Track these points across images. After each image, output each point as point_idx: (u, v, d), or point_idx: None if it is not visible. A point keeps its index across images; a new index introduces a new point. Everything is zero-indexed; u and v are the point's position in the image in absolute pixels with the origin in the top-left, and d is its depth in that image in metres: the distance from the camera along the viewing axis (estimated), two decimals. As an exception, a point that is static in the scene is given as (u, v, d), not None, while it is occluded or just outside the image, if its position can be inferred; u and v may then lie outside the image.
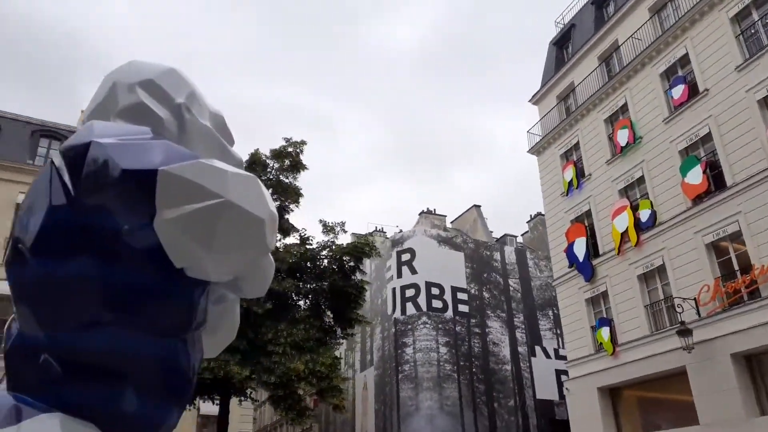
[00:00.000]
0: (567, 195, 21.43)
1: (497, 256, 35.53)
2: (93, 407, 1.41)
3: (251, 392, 15.92)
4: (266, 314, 14.92)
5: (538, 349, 33.30)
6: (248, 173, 1.56)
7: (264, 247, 1.51)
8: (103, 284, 1.44)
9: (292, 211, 17.96)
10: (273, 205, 1.54)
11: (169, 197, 1.46)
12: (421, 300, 31.98)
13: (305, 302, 17.71)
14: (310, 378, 14.92)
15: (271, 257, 1.72)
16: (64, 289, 1.44)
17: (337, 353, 16.75)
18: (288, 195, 17.37)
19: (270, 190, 17.01)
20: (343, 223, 17.71)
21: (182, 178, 1.46)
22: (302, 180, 37.94)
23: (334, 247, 17.30)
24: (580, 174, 21.09)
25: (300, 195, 17.73)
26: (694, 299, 15.39)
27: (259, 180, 1.51)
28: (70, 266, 1.44)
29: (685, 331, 14.60)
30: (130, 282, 1.46)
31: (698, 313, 15.25)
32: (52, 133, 30.58)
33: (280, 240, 17.02)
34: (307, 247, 17.36)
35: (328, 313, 17.85)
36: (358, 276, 17.52)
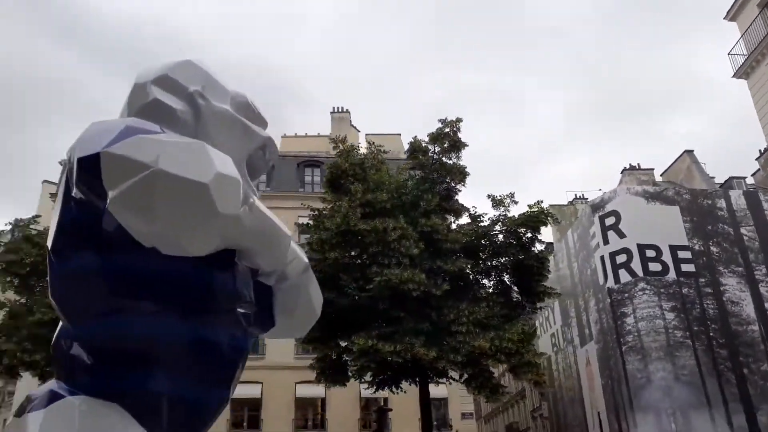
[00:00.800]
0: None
1: (722, 203, 31.02)
2: (119, 390, 1.48)
3: (449, 373, 16.17)
4: (446, 295, 15.11)
5: (790, 303, 28.30)
6: (192, 140, 1.49)
7: (213, 211, 1.38)
8: (106, 275, 1.51)
9: (460, 191, 17.92)
10: (226, 167, 1.44)
11: (110, 178, 1.46)
12: (635, 265, 29.29)
13: (489, 280, 17.53)
14: (498, 355, 14.72)
15: (283, 227, 1.64)
16: (77, 282, 1.56)
17: (526, 328, 16.21)
18: (453, 176, 17.33)
19: (434, 175, 17.16)
20: (512, 195, 17.16)
21: (117, 155, 1.45)
22: (470, 158, 37.94)
23: (506, 220, 16.84)
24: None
25: (465, 174, 17.60)
26: None
27: (205, 145, 1.47)
28: (77, 261, 1.56)
29: None
30: (135, 269, 1.50)
31: None
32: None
33: (451, 222, 17.06)
34: (479, 224, 17.16)
35: (515, 288, 17.44)
36: (538, 247, 16.83)
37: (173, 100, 1.79)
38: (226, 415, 28.42)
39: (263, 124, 1.99)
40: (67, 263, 1.58)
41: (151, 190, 1.37)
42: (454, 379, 16.45)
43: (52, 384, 1.59)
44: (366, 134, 41.60)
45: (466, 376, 15.62)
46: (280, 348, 17.77)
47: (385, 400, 26.76)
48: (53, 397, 1.49)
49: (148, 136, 1.48)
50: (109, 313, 1.52)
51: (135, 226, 1.43)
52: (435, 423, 29.43)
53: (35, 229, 18.18)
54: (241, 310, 1.72)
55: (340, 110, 39.79)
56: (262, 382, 28.75)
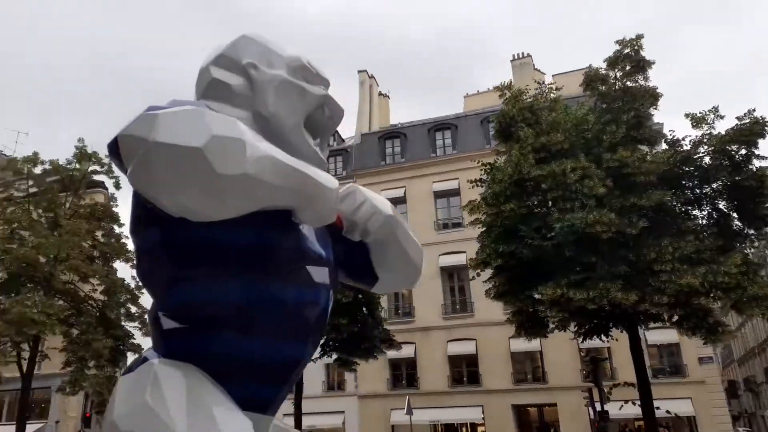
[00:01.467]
0: None
1: None
2: (188, 351, 1.60)
3: (661, 315, 14.67)
4: (644, 233, 13.69)
5: None
6: (193, 107, 1.53)
7: (212, 174, 1.37)
8: (165, 247, 1.67)
9: (652, 116, 15.91)
10: (225, 129, 1.42)
11: (125, 159, 1.54)
12: None
13: (700, 210, 15.42)
14: (713, 292, 12.92)
15: (327, 181, 1.59)
16: (148, 257, 1.75)
17: (749, 257, 13.90)
18: (642, 100, 15.45)
19: (618, 103, 15.51)
20: (716, 109, 14.73)
21: (125, 135, 1.52)
22: (660, 79, 32.78)
23: (711, 139, 14.55)
24: None
25: (656, 96, 15.58)
26: None
27: (204, 110, 1.49)
28: (145, 237, 1.75)
29: None
30: (189, 239, 1.60)
31: None
32: (444, 125, 34.71)
33: (646, 153, 15.26)
34: (678, 149, 15.10)
35: (733, 215, 15.08)
36: (756, 164, 14.26)
37: (229, 76, 1.85)
38: (445, 371, 29.63)
39: (323, 83, 1.95)
40: (139, 241, 1.73)
41: (150, 164, 1.40)
42: (663, 320, 14.90)
43: (147, 351, 1.75)
44: (552, 75, 39.25)
45: (676, 317, 14.03)
46: (490, 306, 17.92)
47: (608, 349, 25.47)
48: (142, 361, 1.65)
49: (150, 112, 1.49)
50: (175, 283, 1.63)
51: (153, 201, 1.48)
52: (668, 370, 27.17)
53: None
54: (311, 267, 1.72)
55: (520, 56, 38.00)
56: (475, 339, 29.32)
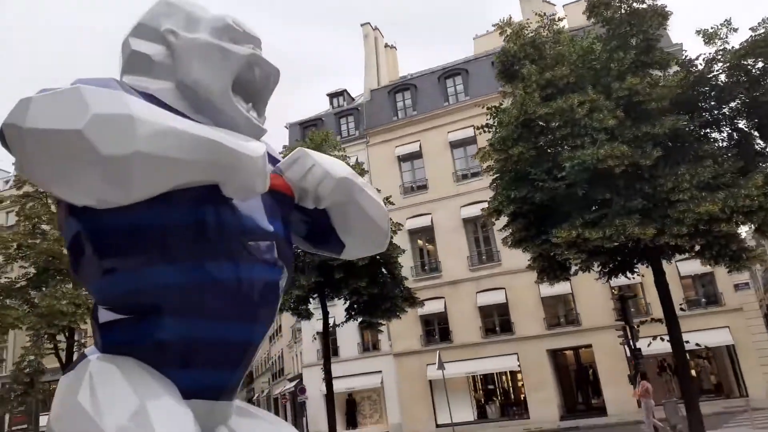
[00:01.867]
0: None
1: None
2: (128, 342, 1.52)
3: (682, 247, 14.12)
4: (659, 163, 13.08)
5: None
6: (68, 87, 1.38)
7: (98, 158, 1.24)
8: (87, 237, 1.55)
9: (661, 37, 15.01)
10: (106, 106, 1.29)
11: (12, 149, 1.41)
12: None
13: (719, 133, 14.66)
14: (734, 216, 12.31)
15: (247, 150, 1.47)
16: (73, 249, 1.62)
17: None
18: (649, 21, 14.53)
19: (625, 28, 14.63)
20: (728, 21, 13.79)
21: (5, 124, 1.40)
22: None
23: (725, 55, 13.68)
24: None
25: (665, 15, 14.64)
26: None
27: (80, 88, 1.33)
28: (68, 229, 1.63)
29: None
30: (109, 227, 1.50)
31: None
32: (454, 71, 33.74)
33: (659, 77, 14.45)
34: (691, 70, 14.25)
35: (754, 133, 14.29)
36: (775, 75, 13.37)
37: (148, 46, 1.76)
38: (477, 321, 29.60)
39: (251, 41, 1.80)
40: (65, 234, 1.64)
41: (26, 153, 1.30)
42: (685, 252, 14.35)
43: (88, 348, 1.68)
44: (563, 6, 37.57)
45: (698, 247, 13.48)
46: (516, 254, 17.66)
47: (641, 285, 24.95)
48: (81, 358, 1.58)
49: (28, 96, 1.36)
50: (105, 273, 1.54)
51: (47, 191, 1.38)
52: (703, 300, 26.57)
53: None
54: (252, 243, 1.62)
55: (528, -12, 36.41)
56: (504, 288, 29.10)
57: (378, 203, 1.97)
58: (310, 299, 19.68)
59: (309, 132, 22.57)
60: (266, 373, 56.25)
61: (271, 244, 1.68)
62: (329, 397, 18.89)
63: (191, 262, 1.52)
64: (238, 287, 1.57)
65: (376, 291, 18.60)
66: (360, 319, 20.65)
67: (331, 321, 20.00)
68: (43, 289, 20.32)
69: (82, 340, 22.91)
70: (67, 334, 20.94)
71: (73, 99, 1.29)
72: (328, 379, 18.92)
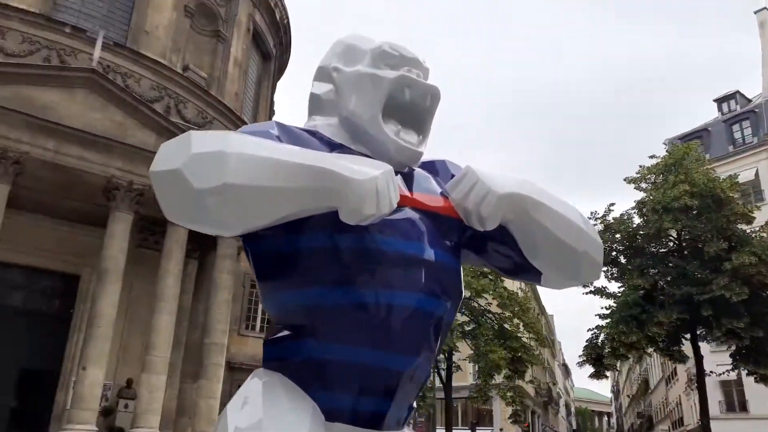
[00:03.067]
0: None
1: None
2: (285, 359, 1.64)
3: None
4: None
5: None
6: (186, 132, 1.57)
7: (192, 192, 1.40)
8: (253, 260, 1.73)
9: None
10: (202, 146, 1.44)
11: None
12: None
13: None
14: None
15: (351, 167, 1.55)
16: (253, 273, 1.95)
17: None
18: None
19: None
20: None
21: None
22: None
23: None
24: None
25: None
26: None
27: (191, 133, 1.57)
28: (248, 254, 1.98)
29: None
30: (272, 250, 1.66)
31: None
32: None
33: None
34: None
35: None
36: None
37: (320, 86, 1.92)
38: None
39: (408, 62, 1.84)
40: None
41: (158, 193, 1.50)
42: None
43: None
44: None
45: None
46: None
47: None
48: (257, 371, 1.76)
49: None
50: (270, 292, 1.71)
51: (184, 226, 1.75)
52: None
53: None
54: (395, 269, 1.61)
55: None
56: None
57: (567, 220, 1.75)
58: (683, 339, 16.75)
59: (672, 145, 19.64)
60: (665, 420, 50.51)
61: (417, 271, 1.61)
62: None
63: (336, 285, 1.56)
64: (390, 314, 1.55)
65: (761, 335, 14.58)
66: (741, 369, 16.54)
67: (710, 367, 16.52)
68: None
69: (458, 363, 24.59)
70: (447, 355, 22.76)
71: (181, 142, 1.46)
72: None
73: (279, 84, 35.55)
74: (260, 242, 1.64)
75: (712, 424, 25.54)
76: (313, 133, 1.77)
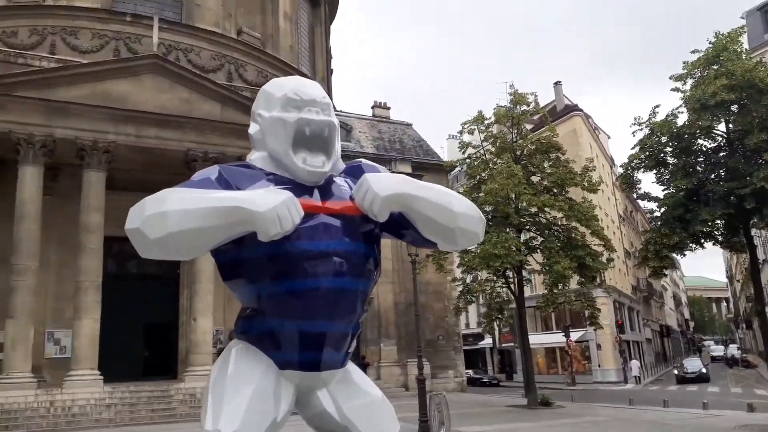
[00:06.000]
0: None
1: None
2: (246, 332, 2.27)
3: None
4: None
5: None
6: (149, 197, 2.05)
7: (148, 241, 1.95)
8: (220, 266, 2.30)
9: None
10: (151, 208, 1.97)
11: None
12: None
13: None
14: None
15: (256, 201, 2.00)
16: (220, 270, 2.36)
17: None
18: None
19: None
20: None
21: None
22: None
23: None
24: None
25: None
26: None
27: (146, 199, 2.03)
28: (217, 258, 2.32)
29: None
30: (226, 260, 2.25)
31: None
32: None
33: None
34: None
35: None
36: None
37: (252, 126, 2.42)
38: None
39: (309, 104, 2.33)
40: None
41: (132, 242, 2.03)
42: None
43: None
44: None
45: None
46: None
47: None
48: (230, 339, 2.43)
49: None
50: (233, 287, 2.30)
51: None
52: None
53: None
54: (313, 261, 2.14)
55: None
56: None
57: (439, 205, 2.26)
58: (740, 230, 16.72)
59: (716, 37, 18.44)
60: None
61: (333, 260, 2.15)
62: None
63: (272, 280, 2.12)
64: (309, 295, 2.11)
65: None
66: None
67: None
68: (489, 234, 23.57)
69: (528, 276, 25.62)
70: (516, 270, 23.88)
71: (139, 208, 1.99)
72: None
73: (332, 27, 35.88)
74: (218, 255, 2.21)
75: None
76: (251, 167, 2.30)
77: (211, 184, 2.14)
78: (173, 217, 1.94)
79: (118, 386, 18.23)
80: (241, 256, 2.15)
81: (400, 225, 2.32)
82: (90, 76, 18.88)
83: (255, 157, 2.35)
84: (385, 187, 2.17)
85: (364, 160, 2.52)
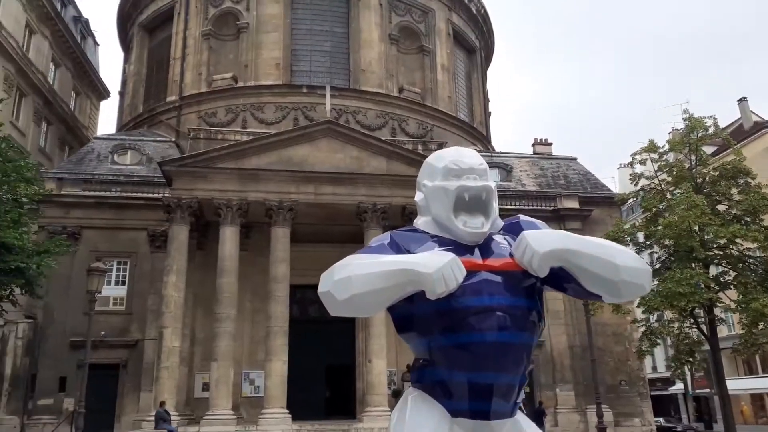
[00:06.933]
0: None
1: None
2: (421, 381, 2.50)
3: None
4: None
5: None
6: (340, 262, 2.35)
7: (337, 302, 2.25)
8: (395, 321, 2.56)
9: None
10: (339, 274, 2.25)
11: None
12: None
13: None
14: None
15: (422, 263, 2.23)
16: (396, 323, 2.63)
17: None
18: None
19: None
20: None
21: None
22: None
23: None
24: None
25: None
26: None
27: (335, 266, 2.32)
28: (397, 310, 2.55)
29: None
30: (403, 314, 2.49)
31: None
32: None
33: None
34: None
35: None
36: None
37: (418, 195, 2.72)
38: None
39: (469, 171, 2.59)
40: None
41: (324, 302, 2.33)
42: None
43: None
44: None
45: None
46: None
47: None
48: (408, 389, 2.65)
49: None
50: (407, 339, 2.54)
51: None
52: None
53: None
54: (478, 316, 2.31)
55: None
56: None
57: (602, 259, 2.32)
58: None
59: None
60: None
61: (496, 315, 2.29)
62: None
63: (440, 333, 2.32)
64: (475, 348, 2.27)
65: None
66: None
67: None
68: (671, 271, 21.92)
69: (721, 315, 23.15)
70: (706, 309, 21.82)
71: (330, 274, 2.26)
72: None
73: (489, 71, 36.38)
74: (393, 311, 2.45)
75: None
76: (417, 230, 2.58)
77: (385, 249, 2.43)
78: (356, 280, 2.19)
79: (304, 425, 19.76)
80: (412, 312, 2.37)
81: (561, 279, 2.41)
82: (275, 145, 21.41)
83: (421, 222, 2.62)
84: (543, 243, 2.30)
85: (522, 216, 2.68)
